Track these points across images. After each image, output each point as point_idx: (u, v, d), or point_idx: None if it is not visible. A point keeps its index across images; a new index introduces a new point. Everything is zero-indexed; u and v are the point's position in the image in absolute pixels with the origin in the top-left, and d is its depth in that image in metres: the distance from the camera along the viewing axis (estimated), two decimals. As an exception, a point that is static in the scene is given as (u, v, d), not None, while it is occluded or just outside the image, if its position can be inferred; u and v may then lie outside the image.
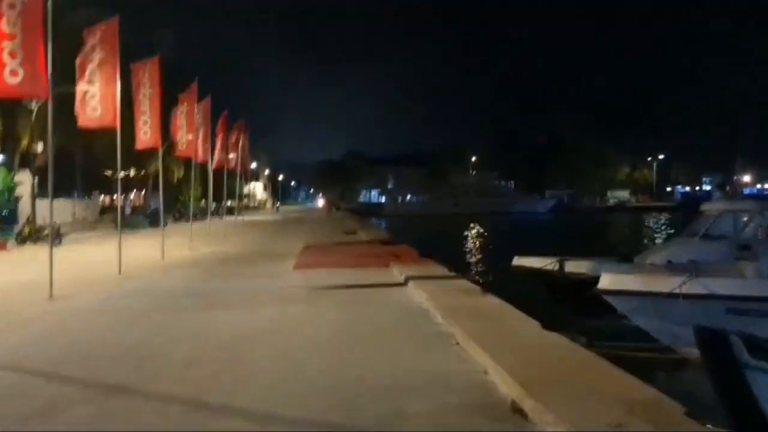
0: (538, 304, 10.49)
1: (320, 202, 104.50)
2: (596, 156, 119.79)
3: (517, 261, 15.27)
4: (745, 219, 13.22)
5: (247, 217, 51.32)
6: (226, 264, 16.14)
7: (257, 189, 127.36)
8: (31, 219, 26.33)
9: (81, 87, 13.31)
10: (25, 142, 28.02)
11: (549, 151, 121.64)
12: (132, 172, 49.16)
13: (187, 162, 39.85)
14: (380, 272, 13.23)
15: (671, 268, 10.92)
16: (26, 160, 29.89)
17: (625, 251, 17.49)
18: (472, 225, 59.73)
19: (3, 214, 26.74)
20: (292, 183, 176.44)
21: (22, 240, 23.98)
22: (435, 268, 13.25)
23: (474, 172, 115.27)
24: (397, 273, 12.60)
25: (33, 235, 24.17)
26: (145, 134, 17.49)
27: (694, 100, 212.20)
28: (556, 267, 13.77)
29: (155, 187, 51.53)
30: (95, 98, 13.42)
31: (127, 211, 47.81)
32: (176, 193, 49.46)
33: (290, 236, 27.69)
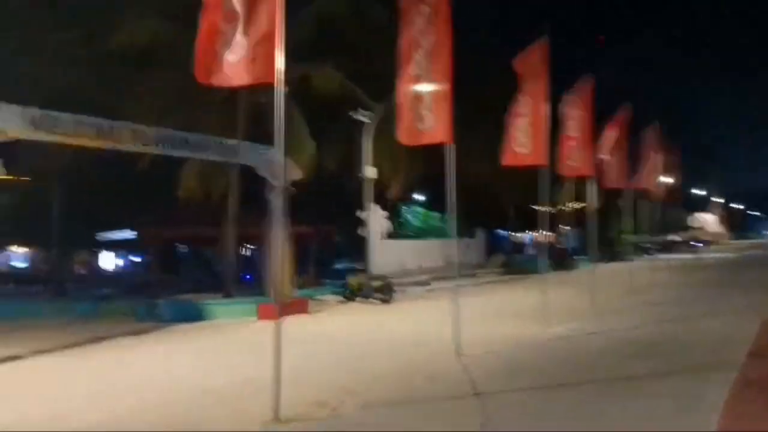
0: None
1: None
2: None
3: None
4: None
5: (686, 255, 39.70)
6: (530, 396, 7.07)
7: (707, 220, 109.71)
8: (365, 267, 20.67)
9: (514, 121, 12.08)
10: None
11: None
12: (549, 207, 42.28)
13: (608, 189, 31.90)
14: None
15: None
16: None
17: None
18: None
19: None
20: (757, 213, 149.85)
21: (349, 295, 18.37)
22: None
23: None
24: None
25: (363, 288, 18.35)
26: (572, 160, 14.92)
27: None
28: None
29: (579, 222, 44.07)
30: (525, 133, 12.10)
31: (529, 250, 40.96)
32: (603, 228, 40.88)
33: (733, 297, 16.50)
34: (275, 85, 6.67)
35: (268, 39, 6.56)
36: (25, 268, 37.81)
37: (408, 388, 7.45)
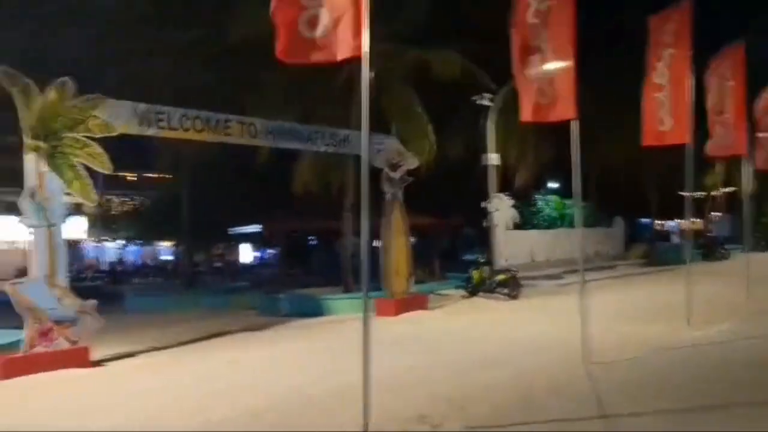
0: None
1: None
2: None
3: None
4: None
5: None
6: None
7: None
8: (489, 259, 19.55)
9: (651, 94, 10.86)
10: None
11: None
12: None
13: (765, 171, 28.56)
14: None
15: None
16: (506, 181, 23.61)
17: None
18: None
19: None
20: None
21: (472, 289, 17.44)
22: None
23: None
24: None
25: (486, 282, 17.35)
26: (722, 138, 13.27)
27: None
28: None
29: (731, 208, 40.33)
30: (664, 108, 10.77)
31: (675, 239, 37.99)
32: (759, 214, 37.02)
33: None
34: (362, 63, 5.94)
35: (352, 13, 5.85)
36: (171, 262, 39.85)
37: (524, 403, 6.53)
